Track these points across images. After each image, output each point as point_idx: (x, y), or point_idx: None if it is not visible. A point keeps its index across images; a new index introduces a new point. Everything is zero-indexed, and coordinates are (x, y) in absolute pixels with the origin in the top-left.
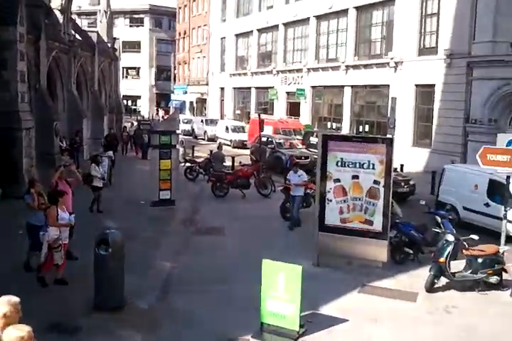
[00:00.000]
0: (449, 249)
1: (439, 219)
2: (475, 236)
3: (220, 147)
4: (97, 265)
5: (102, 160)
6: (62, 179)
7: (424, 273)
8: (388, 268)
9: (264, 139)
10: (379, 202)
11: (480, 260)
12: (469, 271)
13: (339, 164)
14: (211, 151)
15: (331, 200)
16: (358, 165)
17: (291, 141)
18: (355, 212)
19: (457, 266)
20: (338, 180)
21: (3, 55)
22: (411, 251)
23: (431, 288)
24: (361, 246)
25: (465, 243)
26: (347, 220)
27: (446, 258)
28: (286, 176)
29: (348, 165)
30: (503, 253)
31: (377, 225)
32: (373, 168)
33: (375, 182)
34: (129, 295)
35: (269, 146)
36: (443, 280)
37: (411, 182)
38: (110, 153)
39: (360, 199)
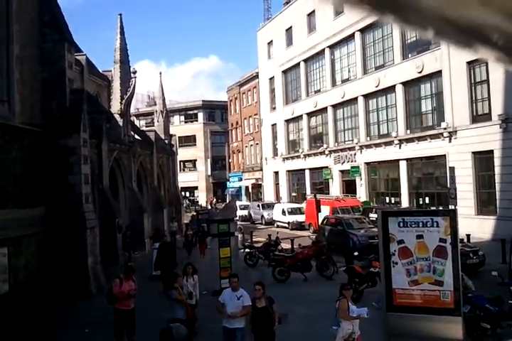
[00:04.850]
0: None
1: None
2: None
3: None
4: None
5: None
6: (129, 278)
7: None
8: None
9: (333, 220)
10: (447, 261)
11: None
12: None
13: (401, 225)
14: (269, 235)
15: (396, 263)
16: (421, 224)
17: (361, 220)
18: (424, 273)
19: None
20: (401, 241)
21: (69, 160)
22: (488, 326)
23: None
24: (434, 324)
25: None
26: (415, 283)
27: None
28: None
29: (410, 225)
30: None
31: (448, 285)
32: (437, 226)
33: (441, 240)
34: None
35: (338, 227)
36: None
37: (480, 253)
38: (157, 245)
39: (427, 259)
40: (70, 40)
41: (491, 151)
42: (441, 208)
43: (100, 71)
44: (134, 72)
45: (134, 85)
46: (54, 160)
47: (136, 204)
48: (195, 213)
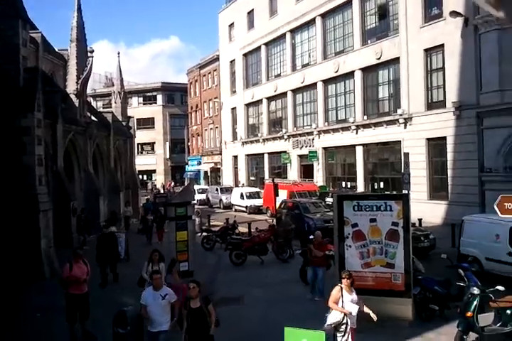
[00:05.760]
0: (476, 302)
1: (462, 272)
2: (501, 287)
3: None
4: None
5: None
6: (78, 261)
7: (452, 330)
8: (415, 326)
9: (290, 204)
10: (399, 244)
11: (509, 311)
12: (499, 324)
13: (356, 208)
14: (227, 219)
15: (350, 246)
16: (374, 208)
17: (317, 204)
18: (376, 256)
19: (486, 319)
20: (356, 225)
21: (22, 140)
22: (437, 308)
23: None
24: (385, 306)
25: (491, 295)
26: (368, 265)
27: (474, 312)
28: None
29: (364, 209)
30: None
31: (399, 268)
32: (390, 210)
33: (394, 223)
34: None
35: (295, 211)
36: (472, 336)
37: (431, 237)
38: (113, 228)
39: (379, 242)
40: (25, 17)
41: (444, 138)
42: (395, 193)
43: (56, 50)
44: (91, 51)
45: (91, 65)
46: (6, 141)
47: (91, 186)
48: (149, 197)
